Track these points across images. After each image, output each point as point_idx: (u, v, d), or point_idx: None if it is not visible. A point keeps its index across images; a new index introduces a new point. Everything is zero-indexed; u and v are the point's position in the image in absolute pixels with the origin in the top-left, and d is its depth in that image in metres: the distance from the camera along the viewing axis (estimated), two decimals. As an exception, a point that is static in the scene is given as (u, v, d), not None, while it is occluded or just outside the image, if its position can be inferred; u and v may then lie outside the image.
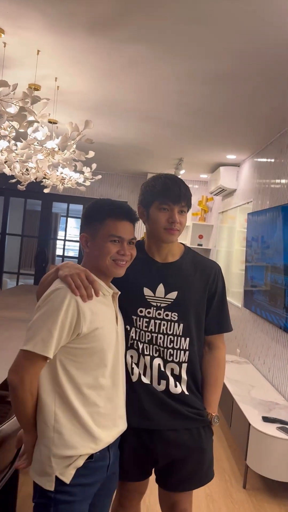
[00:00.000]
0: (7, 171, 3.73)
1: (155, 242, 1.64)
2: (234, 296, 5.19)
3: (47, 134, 3.43)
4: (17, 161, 3.35)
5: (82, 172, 4.71)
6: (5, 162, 3.40)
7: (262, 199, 4.36)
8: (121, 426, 1.48)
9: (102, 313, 1.40)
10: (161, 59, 2.74)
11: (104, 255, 1.42)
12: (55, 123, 4.13)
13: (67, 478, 1.31)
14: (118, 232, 1.42)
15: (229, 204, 5.93)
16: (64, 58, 2.90)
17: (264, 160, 4.50)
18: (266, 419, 2.90)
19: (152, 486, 1.74)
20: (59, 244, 9.25)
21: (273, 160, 4.21)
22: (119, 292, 1.53)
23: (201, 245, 7.06)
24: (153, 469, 1.69)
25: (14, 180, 4.13)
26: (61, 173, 4.36)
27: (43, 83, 3.37)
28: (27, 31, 2.58)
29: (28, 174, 4.00)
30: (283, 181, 3.84)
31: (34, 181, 4.21)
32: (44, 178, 4.42)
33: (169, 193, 1.56)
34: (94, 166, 4.61)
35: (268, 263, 3.81)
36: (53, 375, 1.33)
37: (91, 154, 3.22)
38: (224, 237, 6.28)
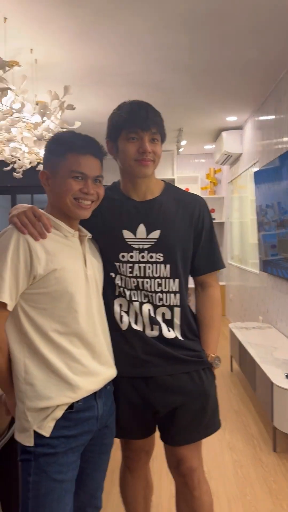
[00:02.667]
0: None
1: (129, 179, 1.49)
2: (254, 265, 4.98)
3: (33, 112, 3.33)
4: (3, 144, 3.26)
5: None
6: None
7: (268, 158, 4.14)
8: (107, 373, 1.35)
9: (62, 254, 1.26)
10: (126, 9, 2.57)
11: (65, 192, 1.27)
12: (43, 104, 4.03)
13: (46, 431, 1.20)
14: (81, 168, 1.28)
15: (237, 171, 5.72)
16: (33, 22, 2.77)
17: (265, 117, 4.28)
18: (289, 376, 2.72)
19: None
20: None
21: (273, 117, 3.98)
22: (90, 235, 1.39)
23: (214, 219, 6.85)
24: (157, 427, 1.56)
25: (8, 168, 4.05)
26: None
27: (19, 58, 3.26)
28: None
29: (21, 160, 3.91)
30: (285, 139, 3.62)
31: (30, 166, 4.13)
32: (39, 163, 4.34)
33: (135, 119, 1.39)
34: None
35: (279, 218, 3.60)
36: (18, 326, 1.22)
37: (77, 124, 3.09)
38: (236, 208, 6.06)
